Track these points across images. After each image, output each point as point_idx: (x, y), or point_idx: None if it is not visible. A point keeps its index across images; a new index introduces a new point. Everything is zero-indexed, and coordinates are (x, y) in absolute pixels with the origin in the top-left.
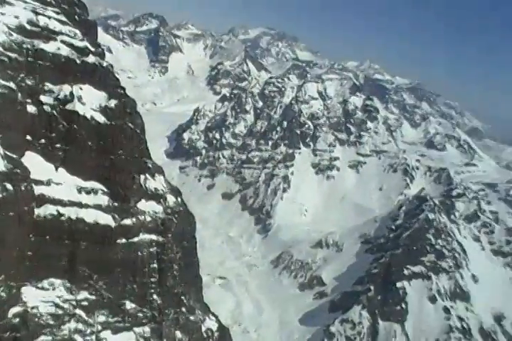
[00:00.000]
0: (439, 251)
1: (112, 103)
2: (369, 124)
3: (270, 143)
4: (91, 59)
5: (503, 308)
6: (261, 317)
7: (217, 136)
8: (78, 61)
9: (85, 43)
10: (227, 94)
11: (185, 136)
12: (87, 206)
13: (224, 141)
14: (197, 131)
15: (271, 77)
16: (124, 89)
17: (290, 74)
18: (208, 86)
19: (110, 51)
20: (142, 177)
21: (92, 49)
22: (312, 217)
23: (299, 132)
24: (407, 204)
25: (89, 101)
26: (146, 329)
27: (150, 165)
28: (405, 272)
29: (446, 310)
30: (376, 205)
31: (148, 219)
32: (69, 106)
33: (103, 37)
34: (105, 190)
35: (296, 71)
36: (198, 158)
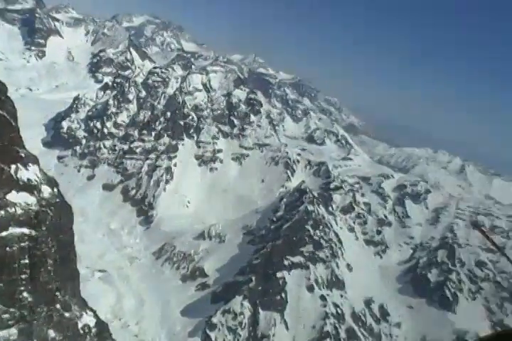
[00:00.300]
0: (317, 241)
1: None
2: (252, 118)
3: (153, 133)
4: None
5: (371, 293)
6: (142, 310)
7: (99, 125)
8: None
9: None
10: (110, 83)
11: (64, 124)
12: None
13: (105, 130)
14: (77, 119)
15: (155, 67)
16: None
17: (174, 64)
18: (89, 73)
19: None
20: (13, 166)
21: None
22: (195, 209)
23: (182, 123)
24: (288, 196)
25: None
26: (13, 331)
27: (23, 154)
28: (285, 262)
29: (323, 298)
30: (258, 197)
31: (20, 211)
32: None
33: None
34: None
35: (181, 62)
36: (77, 148)
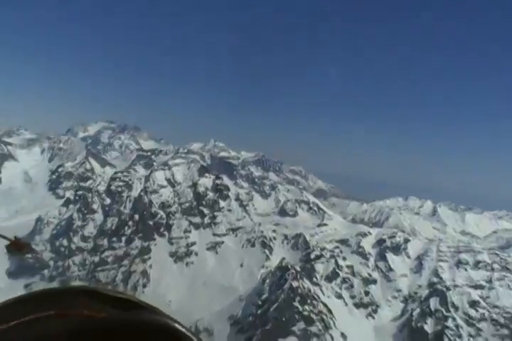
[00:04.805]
0: (308, 316)
1: None
2: (221, 203)
3: (123, 239)
4: None
5: None
6: None
7: (65, 242)
8: None
9: None
10: (71, 197)
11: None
12: None
13: (73, 246)
14: (41, 241)
15: (116, 172)
16: None
17: (136, 165)
18: (49, 191)
19: None
20: None
21: None
22: (178, 307)
23: (152, 223)
24: (270, 276)
25: None
26: None
27: None
28: None
29: None
30: (240, 283)
31: None
32: None
33: None
34: None
35: (142, 161)
36: (45, 272)
